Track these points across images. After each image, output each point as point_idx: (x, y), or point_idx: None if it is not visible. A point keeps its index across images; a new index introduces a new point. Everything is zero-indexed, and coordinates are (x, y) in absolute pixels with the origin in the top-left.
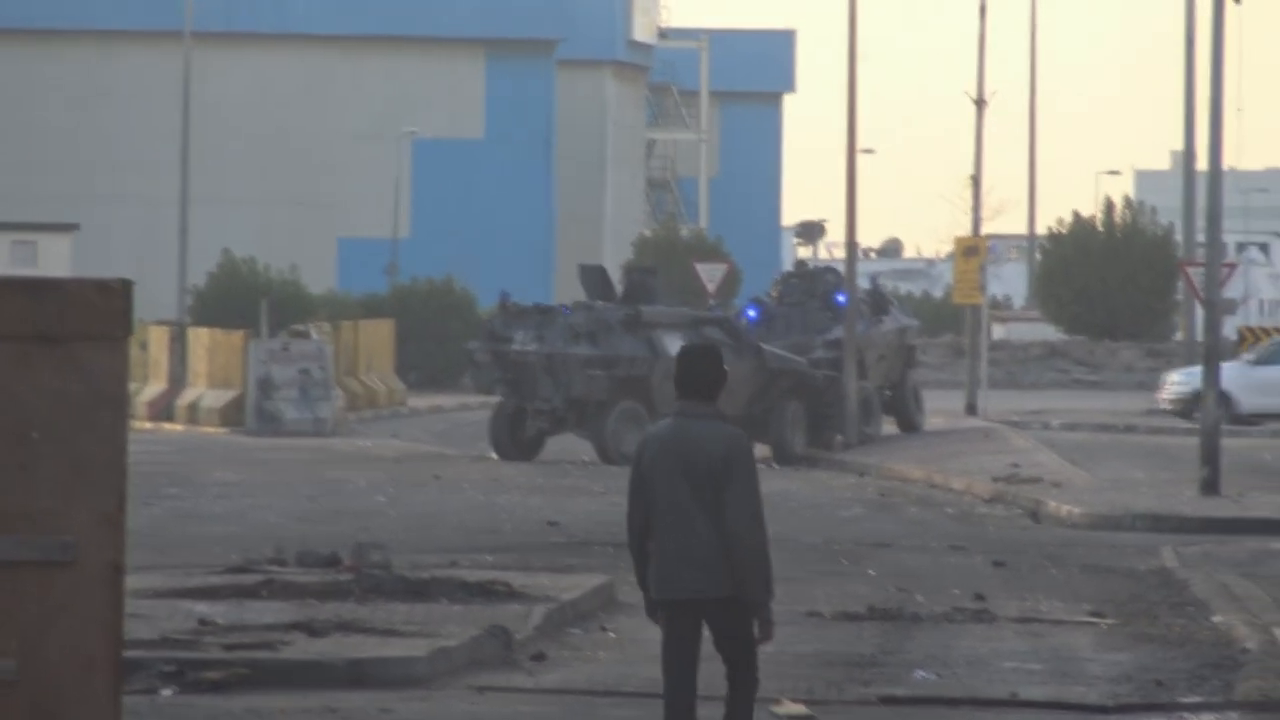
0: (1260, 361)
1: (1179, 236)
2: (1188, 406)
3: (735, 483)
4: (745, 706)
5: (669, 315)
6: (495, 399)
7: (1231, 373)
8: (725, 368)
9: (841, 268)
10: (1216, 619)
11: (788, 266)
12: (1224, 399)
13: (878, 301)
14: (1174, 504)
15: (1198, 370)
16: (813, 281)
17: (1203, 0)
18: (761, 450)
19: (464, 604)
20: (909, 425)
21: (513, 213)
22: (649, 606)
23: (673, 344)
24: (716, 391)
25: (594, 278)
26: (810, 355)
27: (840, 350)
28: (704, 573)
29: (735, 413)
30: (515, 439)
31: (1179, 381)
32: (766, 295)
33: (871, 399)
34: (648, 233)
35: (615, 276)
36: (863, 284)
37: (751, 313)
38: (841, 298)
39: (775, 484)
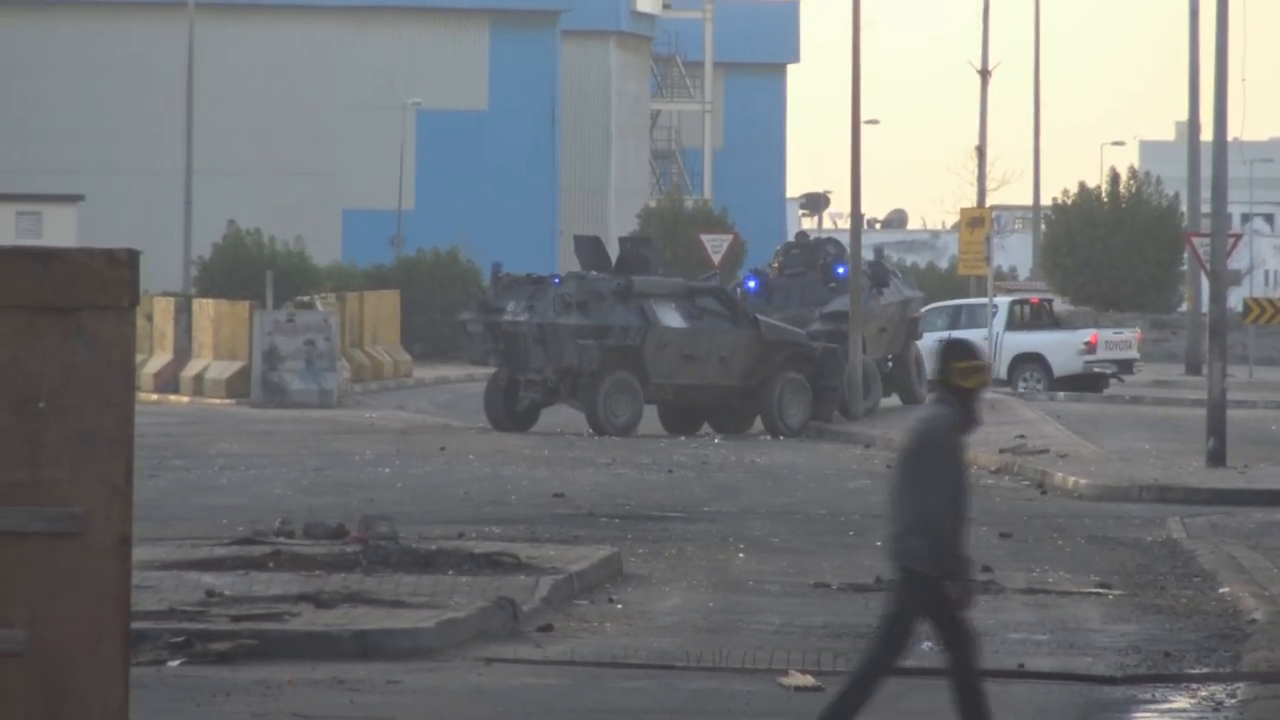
0: None
1: (1184, 207)
2: None
3: (921, 461)
4: (972, 688)
5: (662, 285)
6: (490, 370)
7: None
8: (976, 358)
9: (845, 239)
10: (1223, 590)
11: (790, 237)
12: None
13: (878, 274)
14: (1180, 475)
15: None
16: (813, 253)
17: None
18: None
19: (471, 575)
20: (911, 397)
21: (517, 184)
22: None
23: (665, 314)
24: (945, 378)
25: (589, 248)
26: (808, 327)
27: (838, 322)
28: (906, 547)
29: (732, 384)
30: (509, 410)
31: None
32: (768, 266)
33: (870, 371)
34: (652, 203)
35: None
36: (867, 255)
37: (751, 284)
38: (841, 269)
39: (781, 456)
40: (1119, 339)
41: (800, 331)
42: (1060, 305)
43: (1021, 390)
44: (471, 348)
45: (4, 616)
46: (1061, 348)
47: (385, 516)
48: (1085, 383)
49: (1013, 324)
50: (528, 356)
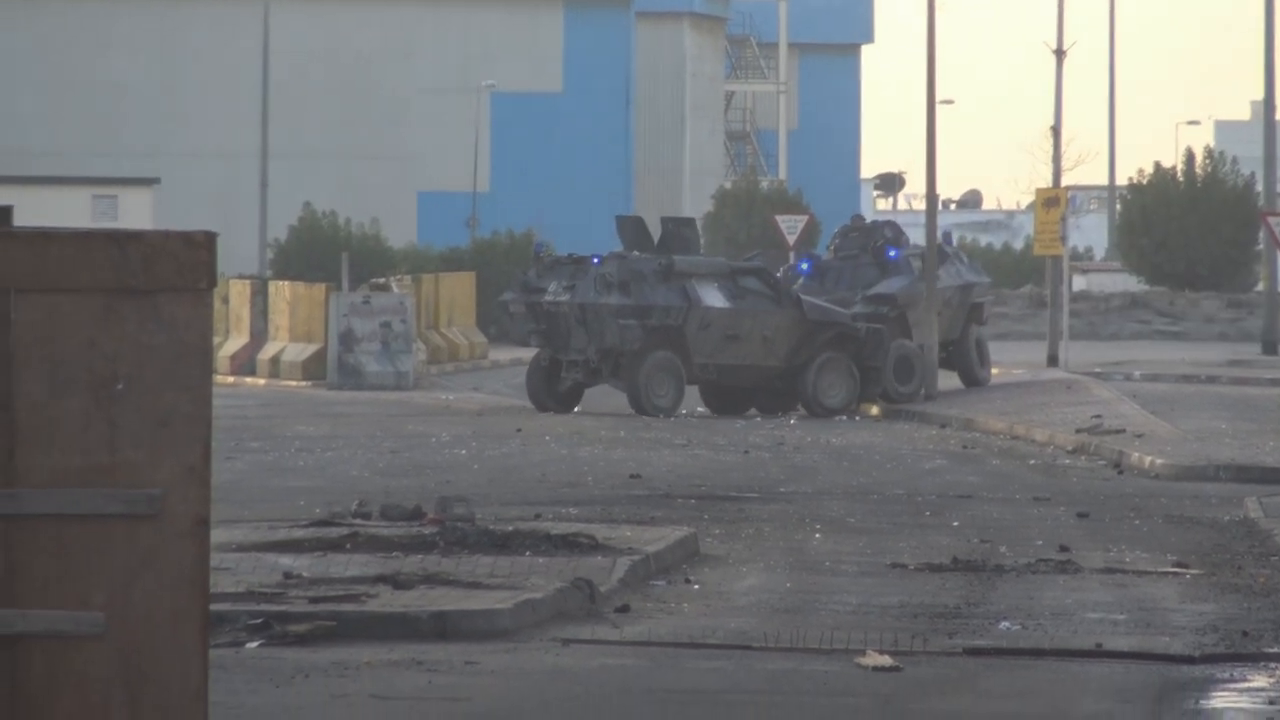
0: None
1: (1259, 187)
2: None
3: None
4: None
5: (704, 265)
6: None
7: None
8: None
9: (921, 219)
10: None
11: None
12: None
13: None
14: (1257, 455)
15: None
16: (869, 236)
17: None
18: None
19: (548, 556)
20: (971, 380)
21: (592, 166)
22: None
23: (708, 293)
24: None
25: (630, 228)
26: (850, 309)
27: (880, 304)
28: None
29: (775, 364)
30: (551, 391)
31: None
32: (827, 249)
33: (912, 357)
34: (727, 185)
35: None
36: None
37: (804, 266)
38: (893, 252)
39: (858, 436)
40: None
41: (844, 312)
42: (1135, 285)
43: None
44: (512, 328)
45: (83, 599)
46: None
47: (462, 498)
48: None
49: None
50: (569, 337)
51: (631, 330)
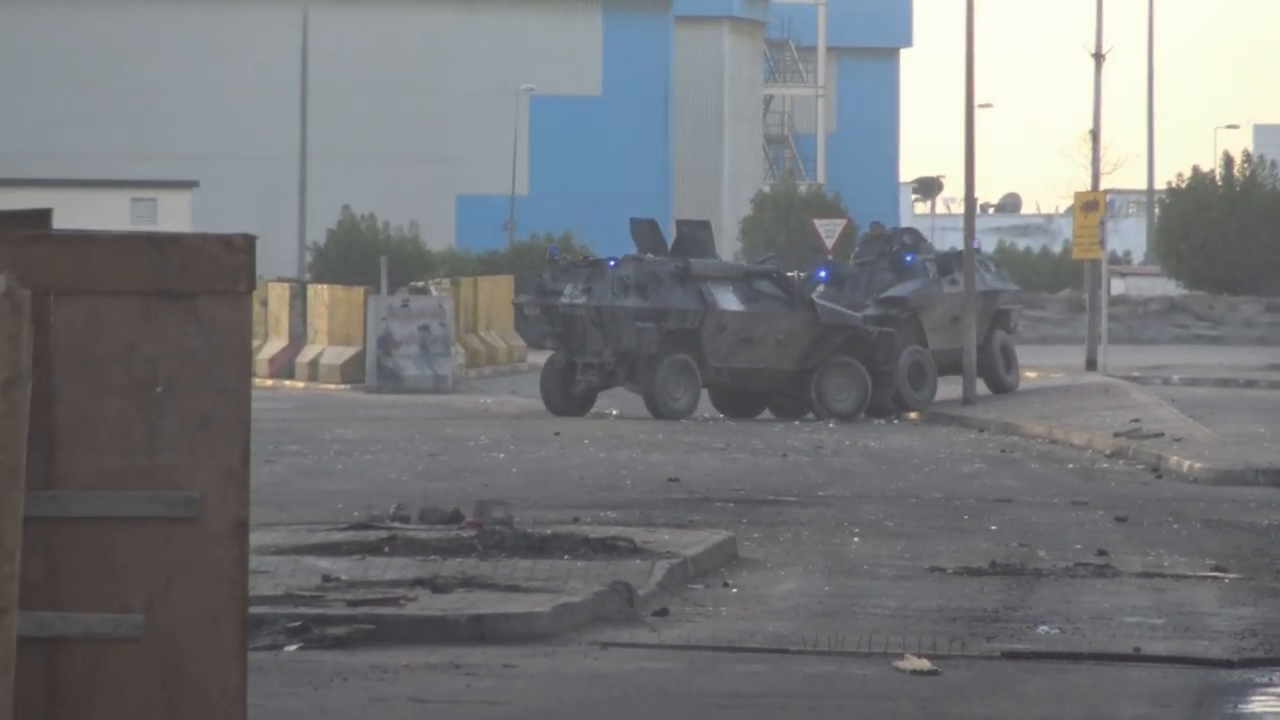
0: None
1: None
2: None
3: None
4: None
5: (720, 268)
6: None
7: None
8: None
9: (959, 223)
10: None
11: (865, 229)
12: None
13: (944, 263)
14: None
15: None
16: (888, 243)
17: None
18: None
19: (586, 560)
20: (997, 386)
21: (630, 169)
22: None
23: (723, 296)
24: None
25: (645, 231)
26: (862, 313)
27: (889, 307)
28: None
29: (788, 368)
30: (566, 393)
31: None
32: (852, 258)
33: (925, 363)
34: (766, 189)
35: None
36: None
37: (822, 274)
38: (909, 258)
39: (896, 440)
40: None
41: (857, 315)
42: (1174, 289)
43: None
44: (527, 331)
45: (122, 601)
46: None
47: (500, 501)
48: None
49: None
50: (585, 339)
51: (648, 333)
